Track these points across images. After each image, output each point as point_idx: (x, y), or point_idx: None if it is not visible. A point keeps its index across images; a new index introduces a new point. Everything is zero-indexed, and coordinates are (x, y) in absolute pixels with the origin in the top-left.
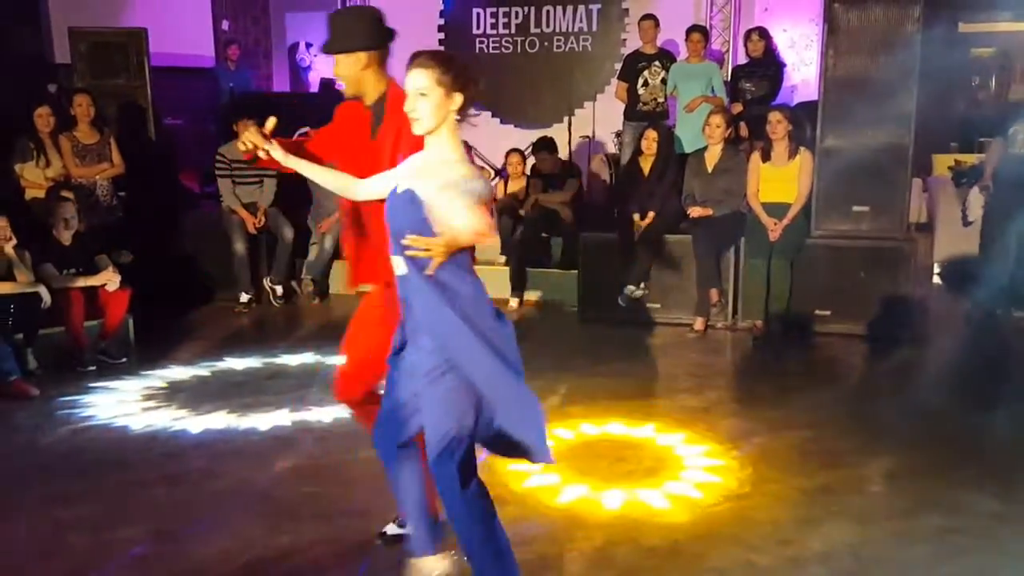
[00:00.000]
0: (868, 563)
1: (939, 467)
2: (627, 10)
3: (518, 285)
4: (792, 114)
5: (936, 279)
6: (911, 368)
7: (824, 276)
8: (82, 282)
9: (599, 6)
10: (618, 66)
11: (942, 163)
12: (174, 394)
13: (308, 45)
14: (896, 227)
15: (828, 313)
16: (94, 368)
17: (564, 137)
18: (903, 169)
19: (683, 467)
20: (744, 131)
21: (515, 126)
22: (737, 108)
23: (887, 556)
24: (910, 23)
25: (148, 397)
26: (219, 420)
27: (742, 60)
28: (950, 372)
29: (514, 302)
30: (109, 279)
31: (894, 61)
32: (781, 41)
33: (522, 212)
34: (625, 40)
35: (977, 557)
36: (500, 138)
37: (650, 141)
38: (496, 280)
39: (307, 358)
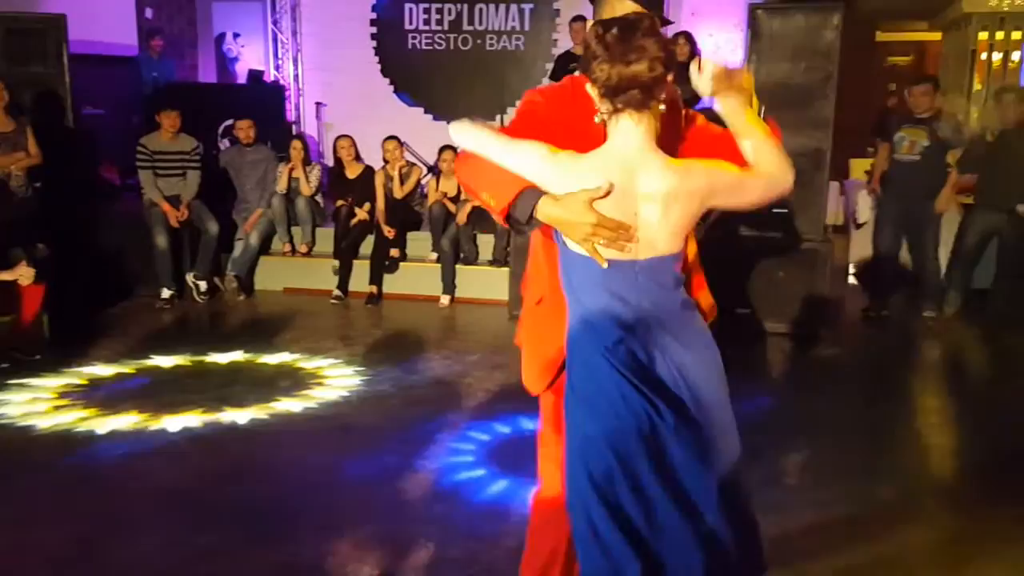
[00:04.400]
0: (786, 554)
1: (854, 460)
2: (558, 11)
3: (449, 283)
4: (716, 117)
5: (851, 279)
6: (826, 364)
7: (744, 275)
8: None
9: (532, 6)
10: (550, 66)
11: (859, 167)
12: (91, 392)
13: (236, 35)
14: (814, 229)
15: (748, 311)
16: (7, 365)
17: None
18: (821, 173)
19: None
20: None
21: (447, 123)
22: None
23: (807, 548)
24: (830, 30)
25: (63, 395)
26: (137, 420)
27: None
28: (863, 368)
29: (445, 300)
30: (23, 273)
31: (814, 67)
32: (706, 46)
33: (457, 220)
34: (556, 40)
35: (885, 546)
36: (433, 134)
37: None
38: (427, 278)
39: (235, 356)
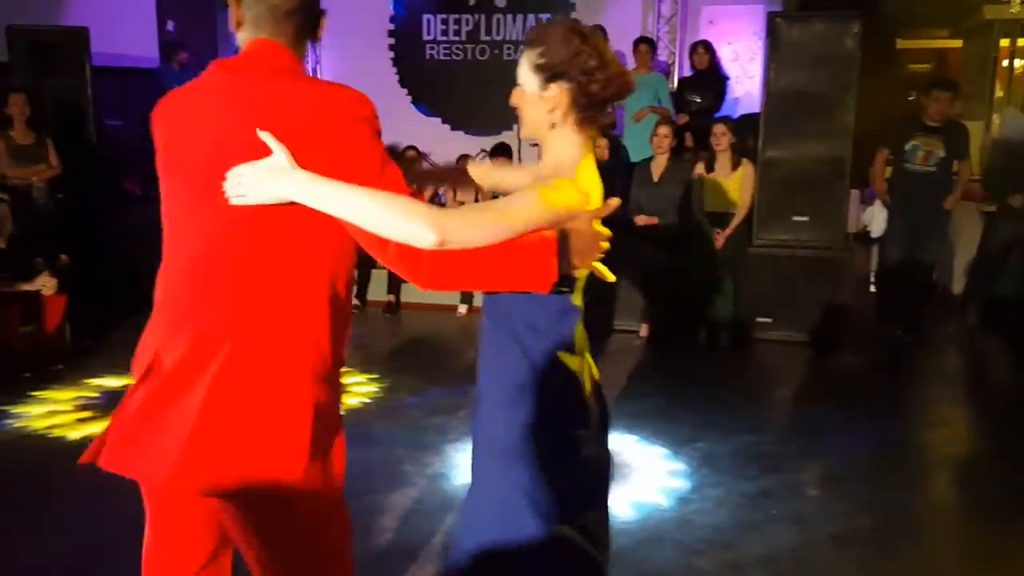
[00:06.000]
0: (807, 566)
1: (874, 471)
2: (576, 20)
3: (466, 293)
4: (735, 126)
5: (872, 288)
6: (848, 374)
7: (765, 284)
8: (17, 287)
9: (549, 16)
10: None
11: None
12: (112, 402)
13: None
14: (835, 237)
15: (769, 320)
16: (29, 375)
17: (514, 145)
18: (841, 181)
19: (627, 471)
20: (689, 142)
21: (465, 133)
22: (683, 119)
23: (826, 558)
24: (850, 38)
25: (83, 407)
26: None
27: (688, 72)
28: (883, 378)
29: (463, 309)
30: (45, 284)
31: (834, 75)
32: (725, 54)
33: None
34: None
35: (909, 558)
36: (450, 144)
37: (602, 149)
38: None
39: None
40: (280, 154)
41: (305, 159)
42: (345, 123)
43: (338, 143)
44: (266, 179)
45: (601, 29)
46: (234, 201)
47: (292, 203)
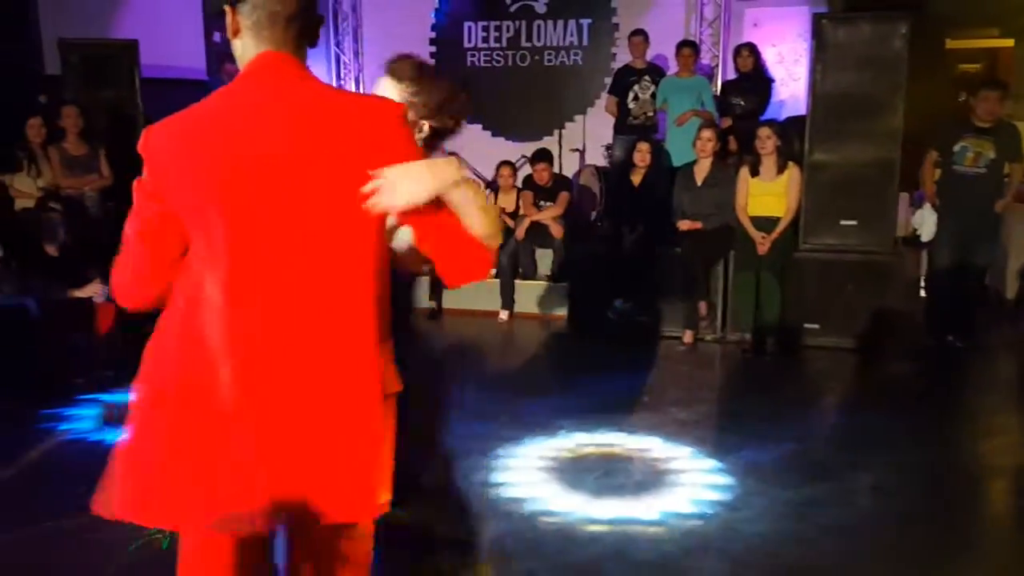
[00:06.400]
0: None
1: (925, 481)
2: (617, 25)
3: (508, 298)
4: (781, 129)
5: (923, 293)
6: (898, 381)
7: (813, 290)
8: (69, 294)
9: (590, 21)
10: (608, 80)
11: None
12: None
13: None
14: (884, 241)
15: (817, 326)
16: (81, 381)
17: (554, 150)
18: (891, 184)
19: (672, 481)
20: (733, 145)
21: (505, 139)
22: (727, 122)
23: (875, 570)
24: (897, 39)
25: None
26: None
27: (731, 75)
28: (934, 386)
29: (504, 315)
30: (96, 291)
31: (882, 76)
32: (770, 56)
33: (516, 234)
34: (615, 55)
35: (962, 570)
36: (490, 151)
37: (643, 154)
38: (486, 293)
39: None
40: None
41: (360, 166)
42: (391, 129)
43: (389, 149)
44: (424, 179)
45: (643, 33)
46: (379, 207)
47: (353, 219)
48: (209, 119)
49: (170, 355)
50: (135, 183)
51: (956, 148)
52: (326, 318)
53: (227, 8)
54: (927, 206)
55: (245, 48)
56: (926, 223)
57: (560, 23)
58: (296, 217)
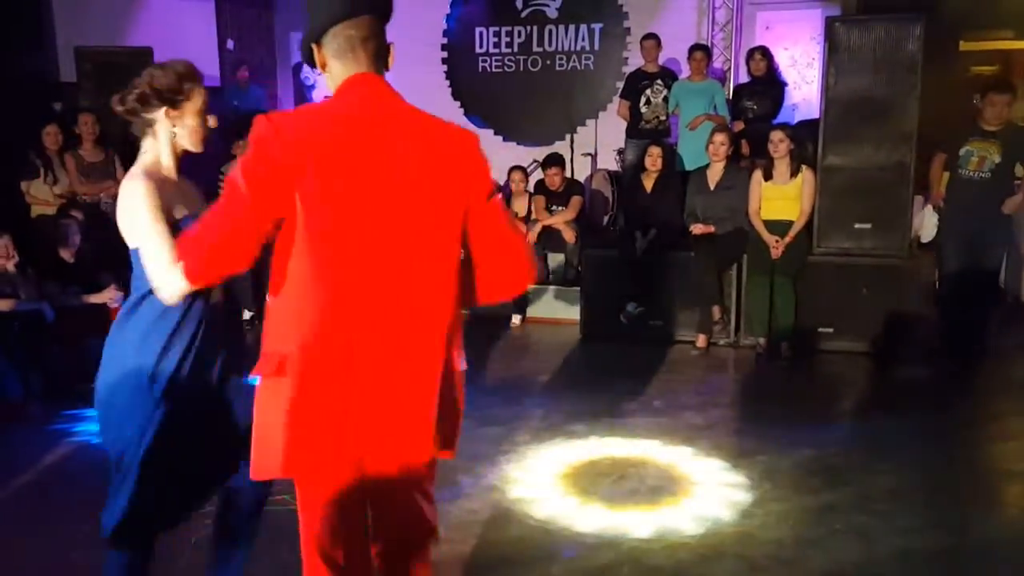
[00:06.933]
0: None
1: (942, 486)
2: (629, 29)
3: (520, 302)
4: (794, 132)
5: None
6: (913, 385)
7: (827, 293)
8: (85, 299)
9: (601, 25)
10: (620, 84)
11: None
12: None
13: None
14: (898, 244)
15: (831, 330)
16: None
17: (566, 155)
18: (905, 187)
19: (687, 485)
20: (746, 149)
21: (517, 144)
22: (739, 126)
23: (891, 575)
24: (911, 42)
25: None
26: None
27: (744, 79)
28: (949, 390)
29: (517, 320)
30: (112, 296)
31: (895, 79)
32: (782, 60)
33: (528, 239)
34: (627, 59)
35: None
36: (502, 155)
37: (655, 157)
38: None
39: None
40: None
41: (455, 187)
42: (478, 157)
43: (480, 176)
44: None
45: (655, 37)
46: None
47: (445, 231)
48: (329, 126)
49: (307, 334)
50: (240, 166)
51: (961, 152)
52: (418, 308)
53: (313, 46)
54: (928, 207)
55: (334, 76)
56: (925, 224)
57: (572, 28)
58: (403, 224)
